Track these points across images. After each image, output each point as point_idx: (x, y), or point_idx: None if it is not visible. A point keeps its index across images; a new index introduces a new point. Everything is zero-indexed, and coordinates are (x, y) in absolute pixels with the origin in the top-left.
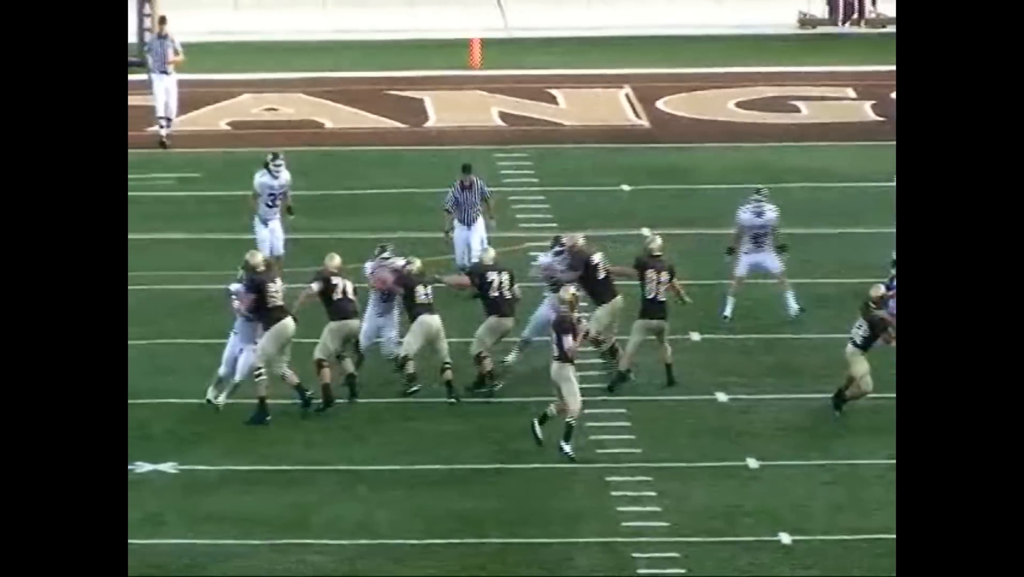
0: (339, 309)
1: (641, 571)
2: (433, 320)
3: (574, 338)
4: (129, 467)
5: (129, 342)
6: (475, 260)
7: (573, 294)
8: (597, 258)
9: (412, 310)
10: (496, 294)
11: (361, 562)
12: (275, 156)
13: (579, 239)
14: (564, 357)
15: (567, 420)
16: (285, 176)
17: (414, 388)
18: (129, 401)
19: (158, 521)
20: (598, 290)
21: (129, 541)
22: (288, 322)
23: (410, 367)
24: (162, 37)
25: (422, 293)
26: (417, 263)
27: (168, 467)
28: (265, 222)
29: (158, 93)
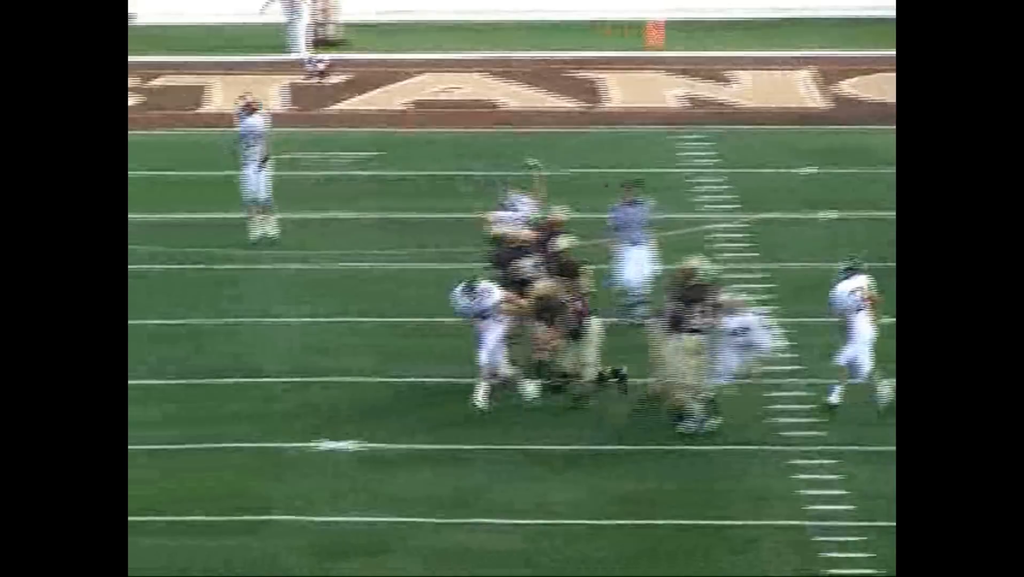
0: None
1: (826, 555)
2: None
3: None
4: (311, 444)
5: (306, 320)
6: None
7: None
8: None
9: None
10: None
11: (537, 542)
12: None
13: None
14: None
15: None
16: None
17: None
18: (309, 379)
19: (338, 497)
20: None
21: (309, 518)
22: None
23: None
24: None
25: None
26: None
27: (349, 444)
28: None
29: (298, 36)
